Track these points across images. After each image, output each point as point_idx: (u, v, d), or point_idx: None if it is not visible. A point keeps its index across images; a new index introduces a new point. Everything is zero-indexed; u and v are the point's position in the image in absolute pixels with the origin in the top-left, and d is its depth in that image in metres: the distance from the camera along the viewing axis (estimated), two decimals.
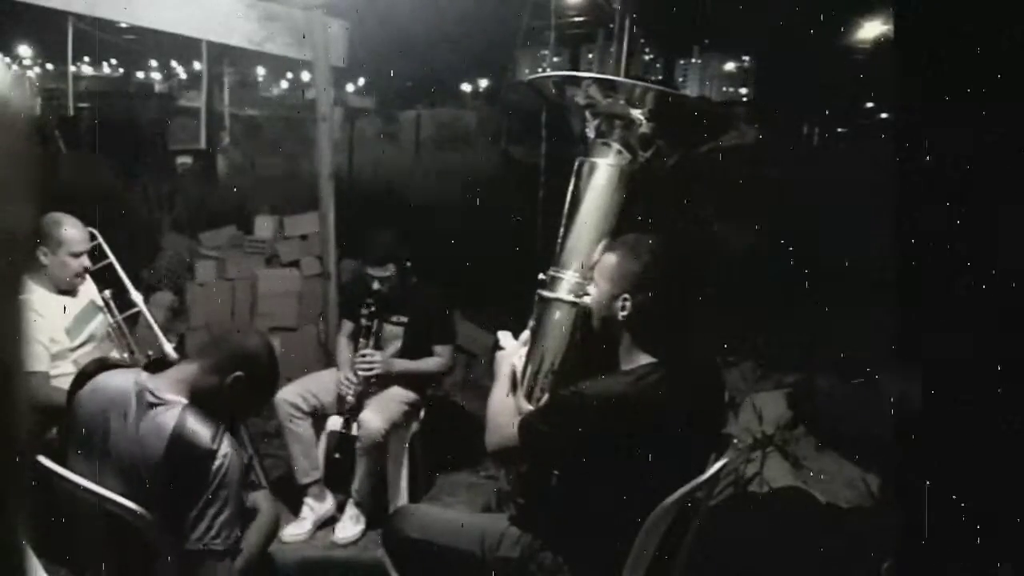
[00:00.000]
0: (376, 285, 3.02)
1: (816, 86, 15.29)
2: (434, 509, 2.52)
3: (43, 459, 1.61)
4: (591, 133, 1.79)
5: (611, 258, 1.71)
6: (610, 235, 1.76)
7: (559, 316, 1.79)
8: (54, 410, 1.88)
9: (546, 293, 1.80)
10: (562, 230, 1.82)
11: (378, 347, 3.09)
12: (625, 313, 1.68)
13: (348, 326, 3.25)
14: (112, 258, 2.91)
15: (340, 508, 3.07)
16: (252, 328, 4.15)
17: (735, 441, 3.39)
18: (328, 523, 3.06)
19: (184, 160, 10.18)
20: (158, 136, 11.49)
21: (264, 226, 4.85)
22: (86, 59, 27.12)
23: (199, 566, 1.55)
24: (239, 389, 1.67)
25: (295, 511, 3.06)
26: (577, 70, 11.56)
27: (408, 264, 3.09)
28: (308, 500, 3.04)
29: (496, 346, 1.98)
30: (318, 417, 3.06)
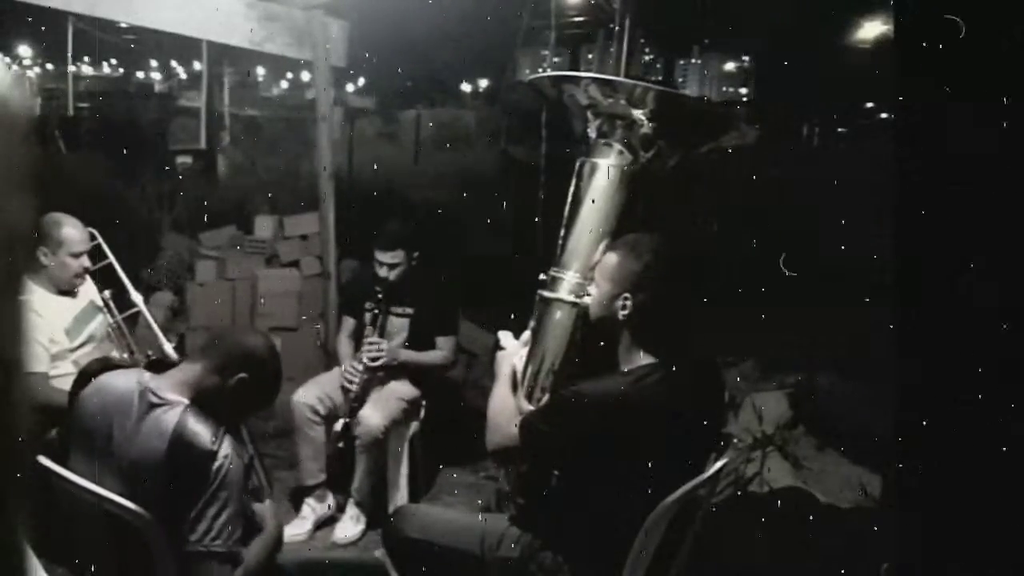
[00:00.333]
0: (384, 272, 3.04)
1: (816, 86, 15.28)
2: (434, 509, 2.53)
3: (43, 459, 1.61)
4: (593, 133, 1.80)
5: (612, 258, 1.71)
6: (611, 235, 1.76)
7: (560, 316, 1.79)
8: (54, 410, 1.88)
9: (547, 293, 1.80)
10: (563, 230, 1.82)
11: (383, 339, 3.10)
12: (626, 313, 1.68)
13: (349, 324, 3.25)
14: (112, 258, 2.91)
15: (340, 508, 3.07)
16: (255, 329, 4.15)
17: (735, 441, 3.39)
18: (328, 523, 3.06)
19: (184, 160, 10.16)
20: (158, 136, 11.50)
21: (264, 226, 4.85)
22: (86, 59, 27.17)
23: (199, 567, 1.55)
24: (242, 390, 1.66)
25: (295, 510, 3.06)
26: (577, 70, 11.57)
27: (415, 255, 3.11)
28: (309, 500, 3.04)
29: (497, 346, 1.98)
30: (331, 420, 3.06)
